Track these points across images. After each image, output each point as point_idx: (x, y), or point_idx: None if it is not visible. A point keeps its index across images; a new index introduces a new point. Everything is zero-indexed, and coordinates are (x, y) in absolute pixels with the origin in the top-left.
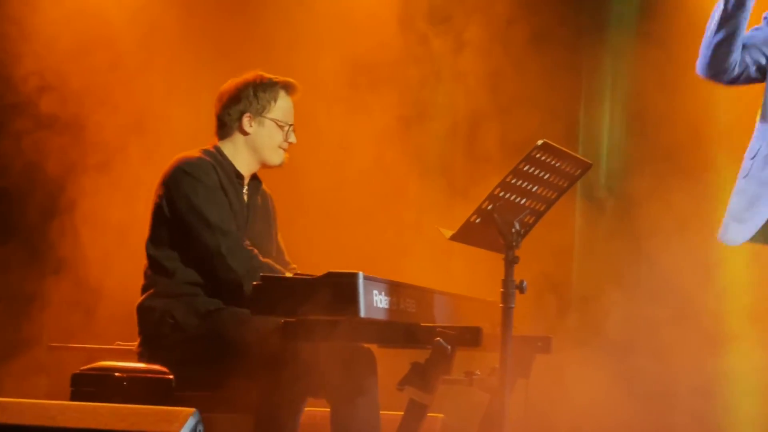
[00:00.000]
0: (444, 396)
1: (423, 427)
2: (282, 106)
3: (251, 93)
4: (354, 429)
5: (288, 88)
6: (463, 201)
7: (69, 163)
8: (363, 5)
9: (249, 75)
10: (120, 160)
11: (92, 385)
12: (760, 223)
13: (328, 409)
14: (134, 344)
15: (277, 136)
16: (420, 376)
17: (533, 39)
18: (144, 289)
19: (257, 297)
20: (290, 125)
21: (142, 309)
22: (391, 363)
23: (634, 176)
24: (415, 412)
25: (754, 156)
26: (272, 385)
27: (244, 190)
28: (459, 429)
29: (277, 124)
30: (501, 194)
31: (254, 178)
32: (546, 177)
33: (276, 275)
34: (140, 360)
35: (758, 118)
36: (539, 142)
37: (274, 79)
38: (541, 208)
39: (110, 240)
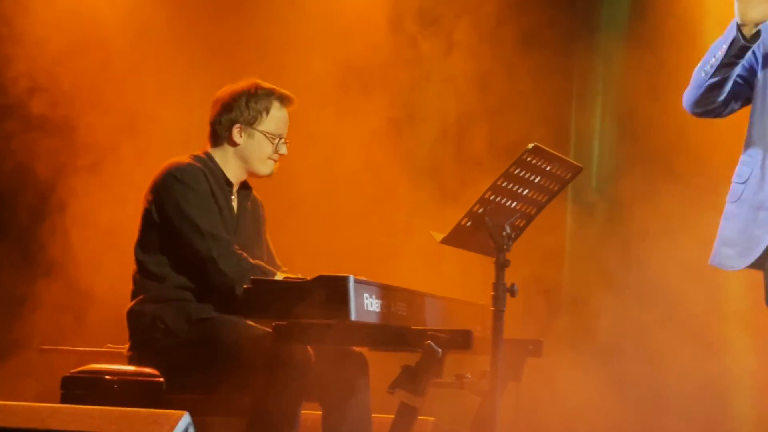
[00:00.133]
0: (435, 399)
1: (414, 430)
2: (275, 118)
3: (243, 103)
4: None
5: (283, 99)
6: (453, 204)
7: (59, 165)
8: (353, 8)
9: (245, 83)
10: (111, 162)
11: (83, 388)
12: (760, 250)
13: (320, 412)
14: (125, 347)
15: (267, 149)
16: (411, 379)
17: (524, 42)
18: (133, 294)
19: (248, 300)
20: (281, 137)
21: (132, 314)
22: (382, 366)
23: (624, 179)
24: (406, 415)
25: (746, 180)
26: (264, 389)
27: (234, 197)
28: None
29: (266, 136)
30: (492, 197)
31: (244, 184)
32: (537, 180)
33: (267, 278)
34: (131, 363)
35: (744, 143)
36: (530, 146)
37: (270, 90)
38: (532, 212)
39: (101, 242)
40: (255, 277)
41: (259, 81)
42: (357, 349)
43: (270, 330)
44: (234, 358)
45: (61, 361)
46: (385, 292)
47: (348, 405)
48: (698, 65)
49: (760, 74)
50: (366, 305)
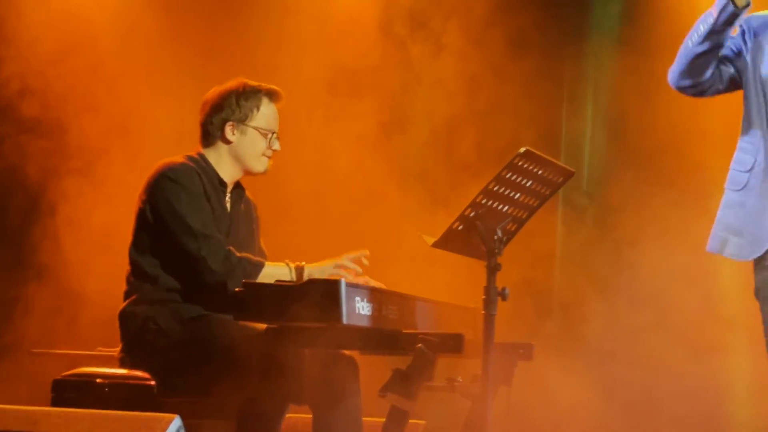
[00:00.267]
0: (426, 402)
1: None
2: (265, 114)
3: (233, 101)
4: None
5: (271, 95)
6: (443, 208)
7: (51, 167)
8: (344, 11)
9: (232, 83)
10: (102, 164)
11: (73, 391)
12: None
13: (310, 416)
14: (116, 350)
15: (260, 144)
16: (402, 383)
17: (515, 46)
18: (126, 295)
19: (240, 303)
20: (273, 133)
21: (124, 315)
22: (373, 369)
23: (616, 183)
24: (397, 419)
25: (750, 168)
26: (254, 392)
27: (227, 197)
28: None
29: (259, 132)
30: (483, 201)
31: (238, 185)
32: (528, 184)
33: (259, 282)
34: (122, 366)
35: (742, 130)
36: (521, 150)
37: (257, 87)
38: (524, 216)
39: (92, 244)
40: (246, 281)
41: (245, 79)
42: (348, 352)
43: (262, 329)
44: (226, 359)
45: (52, 364)
46: (377, 296)
47: (338, 408)
48: (685, 37)
49: (749, 59)
50: (357, 308)
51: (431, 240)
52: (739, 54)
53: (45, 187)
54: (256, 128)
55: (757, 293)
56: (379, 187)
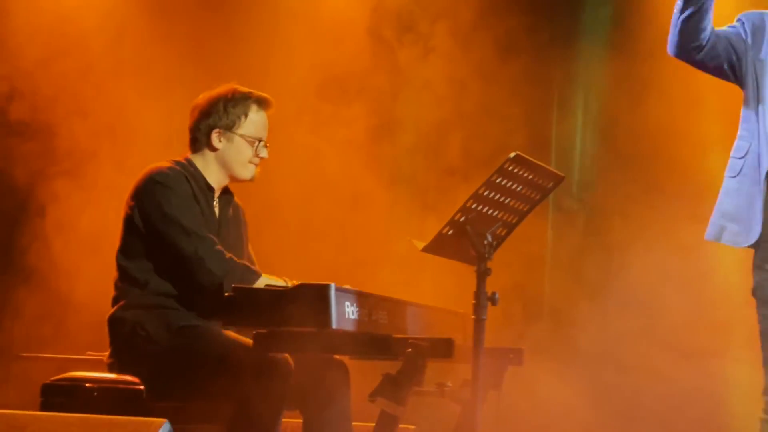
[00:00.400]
0: (415, 407)
1: None
2: (254, 121)
3: (221, 108)
4: None
5: (261, 102)
6: (432, 212)
7: (39, 170)
8: (333, 15)
9: (222, 88)
10: (91, 167)
11: (62, 396)
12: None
13: (300, 420)
14: (105, 354)
15: (247, 152)
16: (392, 388)
17: (505, 50)
18: (115, 301)
19: (229, 308)
20: (261, 141)
21: (113, 320)
22: (362, 374)
23: (606, 188)
24: (387, 424)
25: (745, 155)
26: (245, 397)
27: (216, 202)
28: None
29: (246, 140)
30: (473, 206)
31: (226, 190)
32: (518, 189)
33: (249, 286)
34: (111, 371)
35: (741, 119)
36: (512, 155)
37: (247, 93)
38: (514, 220)
39: (81, 248)
40: (236, 285)
41: (236, 86)
42: (338, 357)
43: (250, 339)
44: (214, 365)
45: (41, 368)
46: (367, 301)
47: (328, 413)
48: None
49: (750, 42)
50: (347, 313)
51: (421, 244)
52: (741, 40)
53: (33, 191)
54: (242, 136)
55: (754, 292)
56: (367, 191)
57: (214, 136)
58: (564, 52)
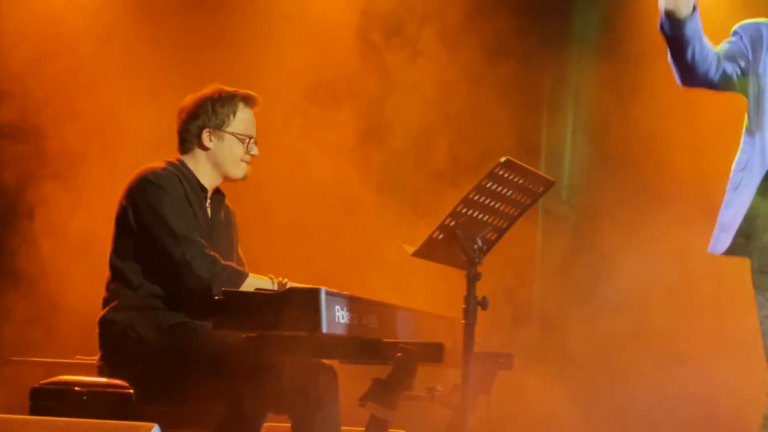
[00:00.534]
0: (405, 412)
1: None
2: (242, 119)
3: (210, 108)
4: None
5: (248, 100)
6: (421, 216)
7: (29, 172)
8: (322, 18)
9: (208, 89)
10: (81, 169)
11: (52, 400)
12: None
13: (289, 425)
14: (95, 358)
15: (238, 150)
16: (381, 392)
17: (495, 53)
18: (106, 302)
19: (219, 311)
20: (251, 138)
21: (104, 322)
22: (352, 378)
23: (595, 192)
24: (377, 428)
25: (744, 168)
26: (234, 401)
27: (208, 203)
28: None
29: (237, 137)
30: (464, 211)
31: (217, 191)
32: (509, 194)
33: (238, 290)
34: (100, 374)
35: (744, 130)
36: (502, 159)
37: (233, 92)
38: (504, 225)
39: (71, 251)
40: (226, 288)
41: (220, 86)
42: (327, 361)
43: (241, 338)
44: (205, 367)
45: (30, 372)
46: (357, 305)
47: (317, 417)
48: None
49: (751, 58)
50: (337, 317)
51: (411, 249)
52: (744, 56)
53: (23, 193)
54: (233, 134)
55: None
56: (356, 195)
57: (205, 136)
58: (554, 55)
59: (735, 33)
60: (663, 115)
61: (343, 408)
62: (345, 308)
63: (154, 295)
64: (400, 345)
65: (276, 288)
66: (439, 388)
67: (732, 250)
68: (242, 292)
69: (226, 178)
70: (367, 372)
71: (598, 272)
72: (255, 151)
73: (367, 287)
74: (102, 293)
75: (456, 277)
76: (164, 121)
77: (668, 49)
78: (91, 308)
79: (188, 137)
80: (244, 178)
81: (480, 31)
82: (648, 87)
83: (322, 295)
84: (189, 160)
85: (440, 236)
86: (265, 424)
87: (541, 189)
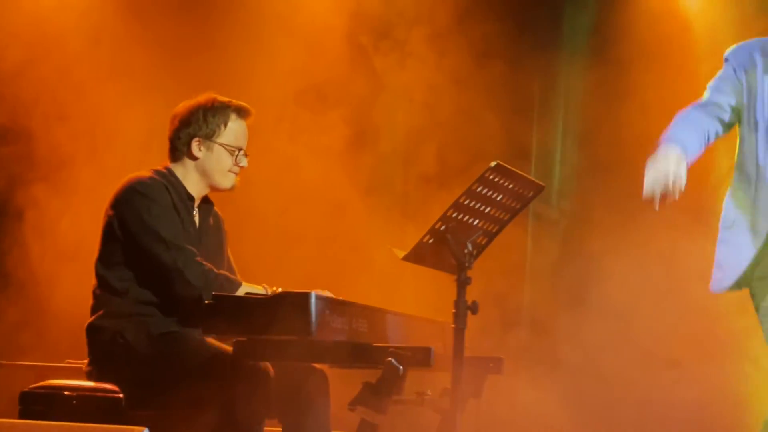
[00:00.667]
0: (395, 416)
1: None
2: (233, 130)
3: (201, 117)
4: None
5: (240, 111)
6: (411, 220)
7: (17, 176)
8: (311, 22)
9: (202, 98)
10: (70, 172)
11: (41, 404)
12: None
13: (279, 428)
14: (84, 362)
15: (227, 161)
16: (371, 396)
17: (486, 57)
18: (93, 309)
19: (210, 316)
20: (241, 150)
21: (91, 329)
22: (342, 383)
23: (585, 197)
24: None
25: (737, 206)
26: (224, 406)
27: (195, 212)
28: None
29: (226, 148)
30: (454, 215)
31: (206, 200)
32: (499, 198)
33: (229, 294)
34: (90, 379)
35: (735, 168)
36: (493, 164)
37: (226, 103)
38: (494, 229)
39: (60, 255)
40: (216, 293)
41: (215, 95)
42: (317, 365)
43: (230, 347)
44: (195, 373)
45: (20, 376)
46: (347, 309)
47: (307, 422)
48: None
49: (745, 100)
50: (327, 322)
51: (402, 253)
52: (740, 93)
53: (12, 196)
54: (222, 145)
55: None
56: (346, 199)
57: (194, 145)
58: (543, 59)
59: (726, 59)
60: (652, 119)
61: (334, 412)
62: (335, 312)
63: (143, 301)
64: (390, 349)
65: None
66: (429, 392)
67: (735, 288)
68: (232, 296)
69: (214, 188)
70: (358, 376)
71: (587, 276)
72: (244, 162)
73: (357, 291)
74: (90, 299)
75: (446, 282)
76: (153, 124)
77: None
78: (80, 311)
79: (178, 145)
80: (231, 189)
81: (469, 34)
82: (637, 91)
83: (313, 300)
84: (177, 169)
85: (430, 240)
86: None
87: (531, 193)
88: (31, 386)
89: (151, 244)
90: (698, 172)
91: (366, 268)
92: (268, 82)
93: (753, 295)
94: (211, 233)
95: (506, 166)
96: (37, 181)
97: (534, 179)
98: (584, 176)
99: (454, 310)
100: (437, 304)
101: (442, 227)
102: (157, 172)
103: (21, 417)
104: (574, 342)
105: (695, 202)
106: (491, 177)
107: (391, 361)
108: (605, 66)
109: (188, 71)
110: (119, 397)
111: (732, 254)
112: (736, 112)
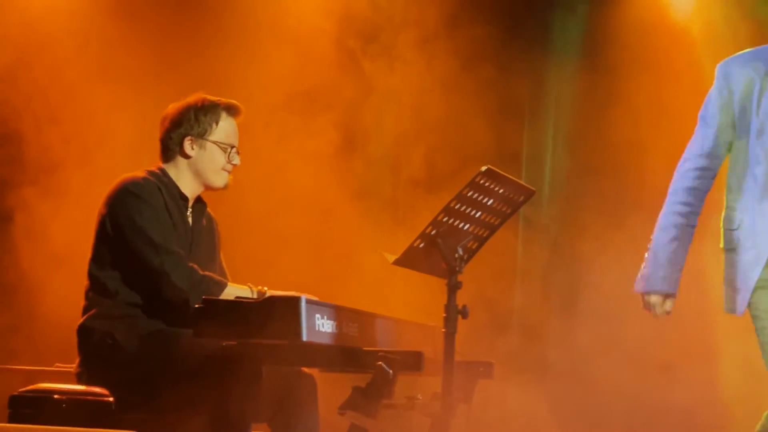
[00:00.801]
0: (385, 421)
1: None
2: (224, 128)
3: (192, 116)
4: None
5: (230, 109)
6: (401, 225)
7: (7, 179)
8: (301, 25)
9: (191, 98)
10: (60, 175)
11: (31, 408)
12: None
13: None
14: (73, 365)
15: (220, 159)
16: (361, 400)
17: (475, 62)
18: (85, 310)
19: (199, 320)
20: (233, 147)
21: (82, 330)
22: (332, 387)
23: (576, 202)
24: None
25: (737, 228)
26: (214, 409)
27: (189, 213)
28: None
29: (219, 146)
30: (445, 219)
31: (199, 200)
32: (490, 203)
33: (218, 298)
34: (79, 382)
35: (726, 188)
36: (483, 168)
37: (216, 101)
38: (485, 234)
39: (50, 259)
40: (206, 297)
41: (204, 95)
42: (307, 369)
43: (221, 346)
44: (184, 375)
45: (9, 380)
46: (337, 313)
47: (297, 426)
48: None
49: (737, 122)
50: (318, 326)
51: (392, 257)
52: (731, 115)
53: (2, 199)
54: (215, 143)
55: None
56: (336, 203)
57: (187, 144)
58: (533, 63)
59: (718, 79)
60: (642, 124)
61: (323, 416)
62: (325, 316)
63: (133, 303)
64: (380, 353)
65: (255, 296)
66: (420, 396)
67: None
68: (222, 300)
69: (207, 187)
70: (347, 380)
71: (577, 281)
72: (237, 160)
73: (347, 295)
74: (81, 301)
75: (436, 286)
76: (144, 126)
77: None
78: (70, 315)
79: (170, 145)
80: (225, 187)
81: (458, 38)
82: (627, 96)
83: (303, 304)
84: (170, 169)
85: (421, 245)
86: None
87: (522, 198)
88: (20, 390)
89: (140, 246)
90: None
91: (356, 272)
92: (257, 86)
93: (750, 304)
94: (204, 233)
95: (497, 170)
96: (27, 184)
97: (525, 184)
98: (574, 180)
99: (444, 315)
100: (427, 308)
101: (433, 231)
102: (151, 172)
103: (10, 421)
104: (565, 346)
105: None
106: (482, 181)
107: (381, 365)
108: (595, 71)
109: (178, 74)
110: (109, 401)
111: (746, 277)
112: (730, 145)
